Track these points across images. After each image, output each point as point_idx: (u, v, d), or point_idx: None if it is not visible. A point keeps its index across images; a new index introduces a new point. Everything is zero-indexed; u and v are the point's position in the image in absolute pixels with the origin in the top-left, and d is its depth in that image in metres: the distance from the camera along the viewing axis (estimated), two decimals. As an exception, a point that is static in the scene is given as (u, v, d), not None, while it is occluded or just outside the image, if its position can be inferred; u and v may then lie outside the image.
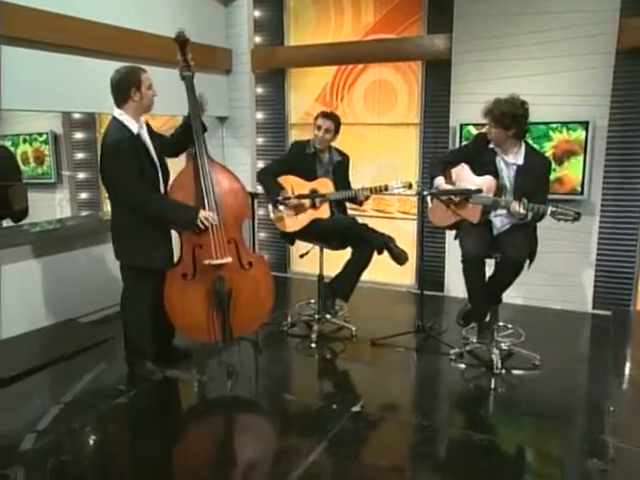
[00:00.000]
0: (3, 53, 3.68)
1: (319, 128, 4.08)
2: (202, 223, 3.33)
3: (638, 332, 4.58)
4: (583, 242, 4.74)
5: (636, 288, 4.78)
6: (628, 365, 4.01)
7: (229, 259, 3.46)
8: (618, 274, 4.75)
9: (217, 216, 3.40)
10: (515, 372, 3.67)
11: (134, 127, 3.29)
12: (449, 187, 3.71)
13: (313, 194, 4.07)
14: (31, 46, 3.84)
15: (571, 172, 4.67)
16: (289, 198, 4.02)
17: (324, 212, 4.09)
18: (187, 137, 3.51)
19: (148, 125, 3.49)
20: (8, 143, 6.03)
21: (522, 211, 3.35)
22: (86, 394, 3.43)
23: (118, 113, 3.30)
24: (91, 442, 3.03)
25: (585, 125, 4.58)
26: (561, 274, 4.79)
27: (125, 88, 3.26)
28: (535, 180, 3.53)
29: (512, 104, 3.44)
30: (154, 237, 3.39)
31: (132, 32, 4.48)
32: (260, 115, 5.95)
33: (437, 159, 3.97)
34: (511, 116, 3.41)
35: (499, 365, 3.62)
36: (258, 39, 5.80)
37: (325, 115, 4.12)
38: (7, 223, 4.66)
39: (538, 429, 3.13)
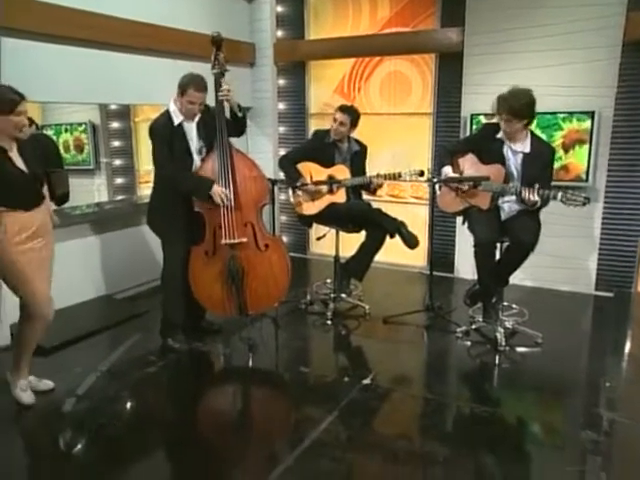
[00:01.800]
0: (43, 50, 3.74)
1: (335, 120, 4.08)
2: (217, 198, 3.42)
3: (638, 313, 4.53)
4: (587, 227, 4.68)
5: (637, 271, 4.71)
6: (627, 344, 3.97)
7: (244, 239, 3.52)
8: (620, 257, 4.69)
9: (231, 195, 3.47)
10: (518, 349, 3.67)
11: (177, 119, 3.43)
12: (456, 175, 3.68)
13: (330, 180, 4.08)
14: (69, 43, 3.89)
15: (576, 160, 4.60)
16: (307, 184, 4.04)
17: (340, 197, 4.10)
18: (237, 120, 3.63)
19: (207, 110, 3.54)
20: (51, 132, 6.13)
21: (536, 198, 3.32)
22: (121, 363, 3.53)
23: (171, 104, 3.46)
24: (125, 407, 3.12)
25: (591, 115, 4.50)
26: (566, 257, 4.74)
27: (178, 87, 3.39)
28: (541, 167, 3.49)
29: (522, 95, 3.38)
30: (173, 210, 3.51)
31: (162, 28, 4.48)
32: (282, 105, 5.95)
33: (444, 148, 3.93)
34: (527, 106, 3.36)
35: (503, 343, 3.62)
36: (280, 33, 5.77)
37: (342, 109, 4.10)
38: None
39: (538, 402, 3.14)
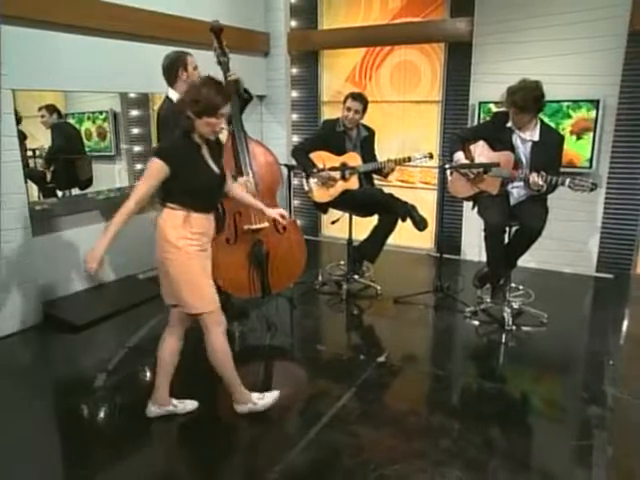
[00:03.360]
0: (63, 40, 3.70)
1: (349, 109, 4.01)
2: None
3: (637, 293, 4.50)
4: (590, 211, 4.63)
5: (637, 253, 4.69)
6: (627, 323, 3.95)
7: (266, 224, 3.50)
8: (621, 241, 4.65)
9: (253, 181, 3.43)
10: (524, 328, 3.66)
11: None
12: (467, 162, 3.64)
13: (343, 167, 4.04)
14: (90, 33, 3.85)
15: (580, 147, 4.53)
16: (322, 169, 4.00)
17: (353, 183, 4.06)
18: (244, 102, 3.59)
19: None
20: (74, 121, 6.09)
21: (541, 182, 3.27)
22: (146, 340, 3.55)
23: (170, 92, 3.35)
24: (152, 381, 3.12)
25: (596, 103, 4.42)
26: (569, 240, 4.70)
27: (174, 70, 3.31)
28: (549, 155, 3.43)
29: (530, 89, 3.31)
30: None
31: (179, 19, 4.43)
32: (295, 93, 5.88)
33: (456, 135, 3.87)
34: (533, 100, 3.30)
35: (510, 322, 3.62)
36: (294, 23, 5.68)
37: (354, 97, 4.03)
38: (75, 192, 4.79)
39: (543, 379, 3.14)
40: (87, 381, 3.03)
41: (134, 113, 6.07)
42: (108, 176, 6.04)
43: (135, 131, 6.15)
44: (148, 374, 3.16)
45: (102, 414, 2.80)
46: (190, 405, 2.74)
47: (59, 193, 5.41)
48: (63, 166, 5.32)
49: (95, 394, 2.93)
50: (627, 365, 3.26)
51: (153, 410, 2.66)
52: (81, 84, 4.01)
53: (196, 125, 2.32)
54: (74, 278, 4.11)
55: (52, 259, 3.91)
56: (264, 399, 2.70)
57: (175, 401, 2.70)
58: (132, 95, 5.93)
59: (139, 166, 6.41)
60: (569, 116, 4.52)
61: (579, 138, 4.51)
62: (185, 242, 2.38)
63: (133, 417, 2.72)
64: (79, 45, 3.81)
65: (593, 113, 4.43)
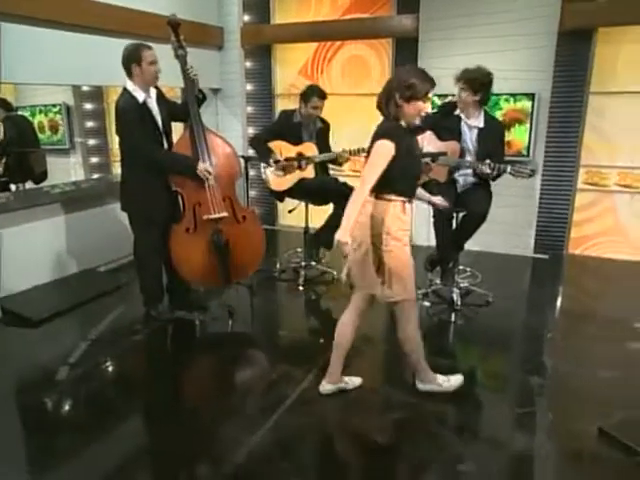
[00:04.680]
0: (16, 31, 3.48)
1: (316, 108, 3.96)
2: (202, 174, 3.29)
3: (570, 272, 4.69)
4: (528, 197, 4.78)
5: (568, 236, 4.88)
6: (561, 299, 4.11)
7: (225, 214, 3.42)
8: (555, 224, 4.83)
9: (212, 170, 3.35)
10: (472, 307, 3.74)
11: (140, 97, 3.20)
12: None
13: (300, 157, 4.00)
14: (41, 25, 3.64)
15: (518, 137, 4.66)
16: (279, 161, 3.95)
17: (309, 173, 4.02)
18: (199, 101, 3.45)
19: (161, 94, 3.37)
20: (26, 113, 5.77)
21: (488, 171, 3.34)
22: (108, 333, 3.43)
23: (128, 84, 3.21)
24: (115, 372, 3.05)
25: (532, 97, 4.54)
26: (509, 224, 4.83)
27: (127, 63, 3.17)
28: (494, 142, 3.51)
29: (481, 72, 3.39)
30: (153, 191, 3.32)
31: (134, 12, 4.25)
32: (249, 87, 5.76)
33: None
34: (480, 82, 3.37)
35: (459, 302, 3.69)
36: (247, 18, 5.55)
37: (322, 97, 3.98)
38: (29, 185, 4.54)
39: (489, 354, 3.22)
40: (49, 375, 2.89)
41: (88, 106, 5.82)
42: (63, 170, 5.77)
43: (90, 124, 5.90)
44: (111, 365, 3.06)
45: (65, 407, 2.69)
46: (357, 381, 2.74)
47: (12, 187, 5.14)
48: (16, 159, 5.04)
49: (57, 387, 2.80)
50: (563, 338, 3.38)
51: (328, 388, 2.66)
52: (32, 77, 3.79)
53: (405, 111, 2.29)
54: (32, 272, 3.91)
55: (8, 254, 3.70)
56: (449, 382, 2.69)
57: (346, 378, 2.70)
58: (85, 88, 5.69)
59: (95, 159, 6.18)
60: (500, 107, 4.62)
61: (508, 128, 4.62)
62: (403, 233, 2.36)
63: (96, 408, 2.62)
64: (29, 37, 3.59)
65: (521, 104, 4.54)
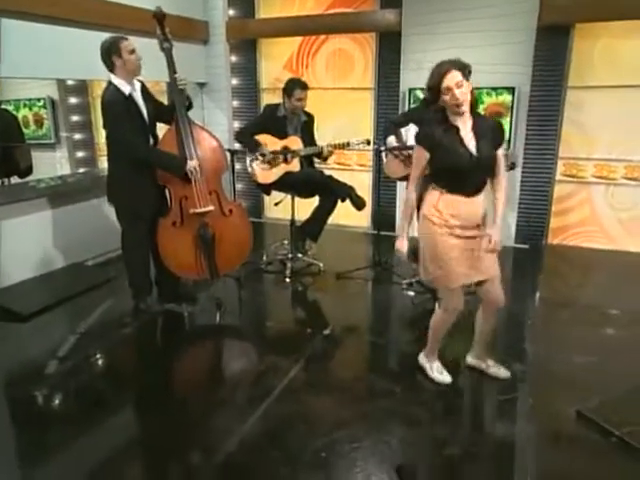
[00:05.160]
0: (2, 25, 3.40)
1: (300, 100, 3.93)
2: (190, 172, 3.27)
3: (549, 261, 4.75)
4: (508, 188, 4.79)
5: (548, 226, 4.94)
6: (541, 288, 4.16)
7: (211, 207, 3.40)
8: (535, 215, 4.88)
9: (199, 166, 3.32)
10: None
11: (126, 89, 3.15)
12: (399, 144, 3.67)
13: (285, 150, 3.98)
14: (28, 19, 3.56)
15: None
16: (264, 153, 3.93)
17: (295, 166, 4.01)
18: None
19: (145, 88, 3.32)
20: (10, 108, 5.64)
21: None
22: (97, 326, 3.40)
23: (112, 77, 3.16)
24: (105, 365, 3.03)
25: (512, 91, 4.57)
26: (491, 215, 4.85)
27: (108, 56, 3.12)
28: None
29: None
30: (140, 186, 3.28)
31: (119, 6, 4.18)
32: (235, 81, 5.72)
33: (389, 122, 3.89)
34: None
35: (441, 291, 3.71)
36: (232, 12, 5.49)
37: (303, 87, 3.95)
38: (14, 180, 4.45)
39: (473, 341, 3.24)
40: (38, 369, 2.87)
41: (73, 100, 5.72)
42: (49, 164, 5.67)
43: (75, 118, 5.80)
44: (101, 358, 3.03)
45: (55, 400, 2.66)
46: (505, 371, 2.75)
47: (-3, 182, 5.04)
48: (0, 154, 4.94)
49: (47, 381, 2.78)
50: (543, 325, 3.43)
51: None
52: (16, 70, 3.71)
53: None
54: (20, 267, 3.85)
55: (-5, 249, 3.64)
56: (441, 375, 2.73)
57: (490, 361, 2.77)
58: (70, 82, 5.58)
59: (80, 154, 6.08)
60: (482, 101, 4.65)
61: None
62: (439, 219, 2.44)
63: (86, 401, 2.61)
64: (13, 30, 3.51)
65: (502, 98, 4.57)
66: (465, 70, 2.28)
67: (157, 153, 3.31)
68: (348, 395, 2.62)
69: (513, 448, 2.24)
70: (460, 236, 2.43)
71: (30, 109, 5.77)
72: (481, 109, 4.60)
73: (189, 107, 3.44)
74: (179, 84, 3.28)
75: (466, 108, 2.32)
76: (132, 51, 3.12)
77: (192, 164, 3.26)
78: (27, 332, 3.33)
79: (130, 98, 3.17)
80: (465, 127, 2.35)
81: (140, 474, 2.22)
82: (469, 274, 2.47)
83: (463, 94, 2.26)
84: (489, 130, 2.38)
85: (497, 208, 2.51)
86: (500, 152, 2.43)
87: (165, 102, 3.67)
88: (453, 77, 2.25)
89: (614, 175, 4.65)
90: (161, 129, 3.42)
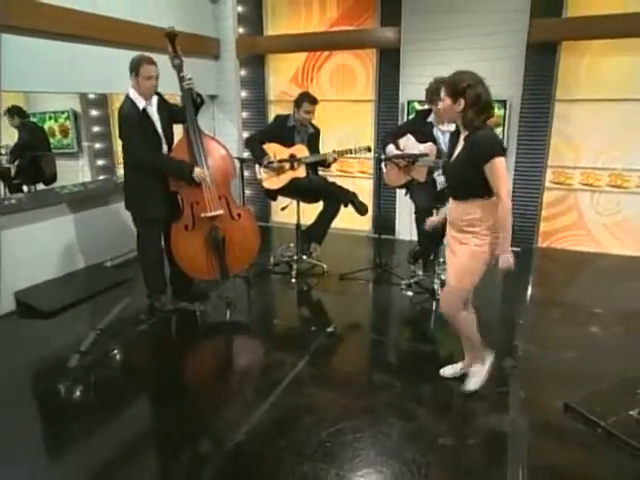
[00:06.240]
0: (27, 44, 3.43)
1: (308, 113, 3.95)
2: (197, 178, 3.29)
3: (539, 263, 4.73)
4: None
5: (538, 230, 4.93)
6: (531, 289, 4.15)
7: (221, 211, 3.42)
8: (525, 219, 4.87)
9: (208, 172, 3.34)
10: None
11: (141, 104, 3.19)
12: (399, 152, 3.67)
13: (292, 158, 3.99)
14: (51, 37, 3.59)
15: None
16: (272, 162, 3.94)
17: (301, 173, 4.01)
18: (196, 105, 3.41)
19: (162, 98, 3.34)
20: (36, 119, 5.70)
21: None
22: (116, 323, 3.41)
23: (130, 91, 3.20)
24: (123, 359, 3.05)
25: (504, 103, 4.57)
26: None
27: (130, 71, 3.16)
28: None
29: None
30: (153, 194, 3.31)
31: (140, 25, 4.21)
32: (244, 93, 5.73)
33: (387, 133, 3.91)
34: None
35: (439, 292, 3.68)
36: (241, 30, 5.51)
37: (312, 101, 3.96)
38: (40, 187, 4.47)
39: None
40: (61, 362, 2.88)
41: (94, 113, 5.75)
42: (72, 171, 5.71)
43: (96, 129, 5.84)
44: (118, 353, 3.05)
45: (77, 390, 2.67)
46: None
47: (25, 188, 5.09)
48: (29, 162, 5.01)
49: (69, 373, 2.79)
50: (533, 323, 3.42)
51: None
52: (42, 85, 3.75)
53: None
54: (44, 267, 3.87)
55: (23, 250, 3.66)
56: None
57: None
58: (91, 96, 5.62)
59: (100, 162, 6.11)
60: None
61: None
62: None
63: (106, 393, 2.62)
64: (41, 48, 3.55)
65: (499, 111, 4.58)
66: (445, 88, 2.24)
67: (166, 162, 3.32)
68: (350, 389, 2.63)
69: (504, 438, 2.24)
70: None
71: (56, 121, 5.82)
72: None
73: (201, 103, 3.45)
74: (187, 83, 3.29)
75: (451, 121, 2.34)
76: (149, 77, 3.14)
77: (198, 171, 3.28)
78: (51, 328, 3.35)
79: (144, 112, 3.20)
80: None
81: (155, 461, 2.23)
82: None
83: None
84: (469, 145, 2.25)
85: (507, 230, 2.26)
86: (488, 167, 2.18)
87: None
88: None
89: (599, 183, 4.65)
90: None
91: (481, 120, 2.21)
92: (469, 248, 2.33)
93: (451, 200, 2.40)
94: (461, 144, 2.31)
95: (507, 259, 2.24)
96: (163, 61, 3.32)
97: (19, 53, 3.42)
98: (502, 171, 2.17)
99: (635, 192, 4.56)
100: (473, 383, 2.56)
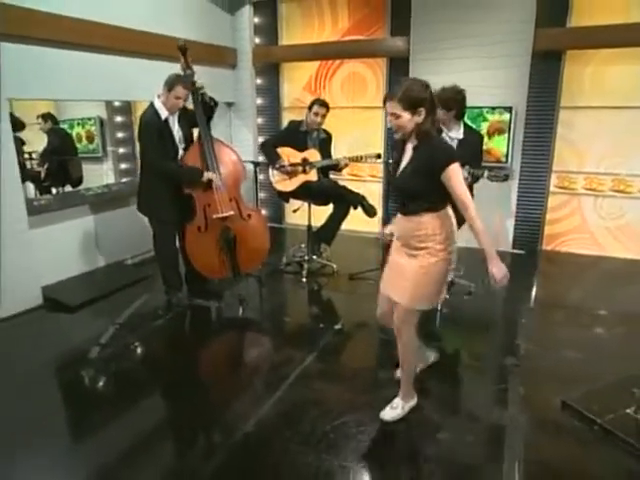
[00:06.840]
0: (57, 55, 3.53)
1: (316, 114, 3.97)
2: (207, 182, 3.34)
3: (543, 266, 4.69)
4: (506, 198, 4.79)
5: (542, 233, 4.88)
6: (535, 290, 4.12)
7: (232, 212, 3.46)
8: (530, 223, 4.83)
9: (219, 176, 3.39)
10: (456, 297, 3.74)
11: (163, 114, 3.24)
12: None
13: (304, 162, 4.02)
14: (80, 49, 3.69)
15: (497, 146, 4.66)
16: (284, 166, 3.97)
17: (313, 176, 4.03)
18: (207, 112, 3.47)
19: (184, 109, 3.39)
20: (65, 126, 5.83)
21: (465, 174, 3.35)
22: (134, 317, 3.47)
23: (155, 99, 3.25)
24: (141, 352, 3.09)
25: (510, 110, 4.54)
26: (491, 223, 4.82)
27: (164, 83, 3.22)
28: (472, 151, 3.50)
29: (453, 91, 3.36)
30: (163, 197, 3.36)
31: (163, 37, 4.28)
32: (259, 100, 5.78)
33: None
34: (453, 100, 3.35)
35: (444, 292, 3.70)
36: (257, 40, 5.56)
37: (321, 104, 3.99)
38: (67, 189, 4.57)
39: (471, 337, 3.24)
40: (83, 354, 2.96)
41: (118, 119, 5.85)
42: (96, 175, 5.82)
43: (120, 135, 5.93)
44: (137, 346, 3.10)
45: (97, 380, 2.75)
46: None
47: (53, 190, 5.21)
48: (57, 166, 5.13)
49: (90, 365, 2.87)
50: (535, 323, 3.40)
51: None
52: (71, 94, 3.85)
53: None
54: (68, 265, 3.96)
55: (50, 248, 3.75)
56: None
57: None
58: (116, 103, 5.72)
59: (124, 165, 6.21)
60: (486, 119, 4.63)
61: (490, 137, 4.63)
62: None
63: (124, 384, 2.67)
64: (71, 59, 3.66)
65: (503, 117, 4.55)
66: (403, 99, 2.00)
67: (178, 171, 3.36)
68: (356, 384, 2.64)
69: (503, 433, 2.23)
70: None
71: (83, 127, 5.93)
72: (484, 126, 4.59)
73: (215, 105, 3.50)
74: (198, 87, 3.34)
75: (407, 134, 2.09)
76: (178, 97, 3.21)
77: (207, 175, 3.33)
78: (74, 322, 3.43)
79: (165, 122, 3.25)
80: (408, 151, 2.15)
81: (169, 450, 2.27)
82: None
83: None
84: (423, 154, 2.07)
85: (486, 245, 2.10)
86: (447, 174, 2.00)
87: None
88: (388, 107, 2.05)
89: (602, 187, 4.59)
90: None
91: (435, 128, 2.09)
92: (419, 263, 2.13)
93: (399, 216, 2.21)
94: (409, 154, 2.13)
95: (500, 268, 2.04)
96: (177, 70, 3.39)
97: (54, 64, 3.54)
98: (461, 176, 2.03)
99: (638, 197, 4.50)
100: (389, 414, 2.32)
